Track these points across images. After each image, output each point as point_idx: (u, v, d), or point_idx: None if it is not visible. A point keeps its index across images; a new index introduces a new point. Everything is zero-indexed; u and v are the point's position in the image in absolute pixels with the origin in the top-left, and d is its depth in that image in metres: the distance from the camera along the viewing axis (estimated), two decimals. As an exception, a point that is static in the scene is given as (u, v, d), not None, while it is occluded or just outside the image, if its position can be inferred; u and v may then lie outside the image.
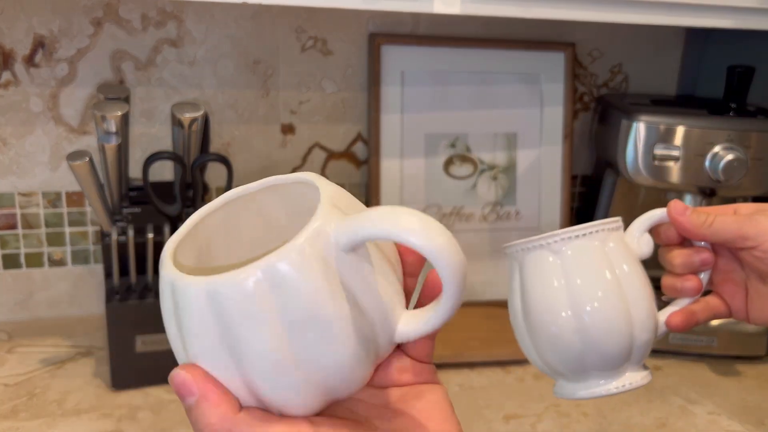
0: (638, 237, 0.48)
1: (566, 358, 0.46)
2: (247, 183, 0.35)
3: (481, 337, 0.88)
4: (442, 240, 0.28)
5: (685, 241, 0.49)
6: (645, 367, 0.49)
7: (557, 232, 0.45)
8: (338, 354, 0.29)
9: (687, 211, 0.47)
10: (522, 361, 0.86)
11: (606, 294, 0.45)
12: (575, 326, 0.45)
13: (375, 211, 0.29)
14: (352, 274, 0.29)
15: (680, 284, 0.48)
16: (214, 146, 0.92)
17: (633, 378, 0.47)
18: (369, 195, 0.97)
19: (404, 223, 0.28)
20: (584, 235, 0.45)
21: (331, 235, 0.29)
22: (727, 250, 0.49)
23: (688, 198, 0.89)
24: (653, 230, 0.49)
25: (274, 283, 0.28)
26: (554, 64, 1.00)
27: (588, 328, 0.44)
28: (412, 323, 0.32)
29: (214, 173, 0.89)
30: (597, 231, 0.46)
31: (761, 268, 0.46)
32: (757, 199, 0.90)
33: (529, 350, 0.48)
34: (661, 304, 0.49)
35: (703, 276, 0.49)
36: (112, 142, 0.69)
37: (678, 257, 0.48)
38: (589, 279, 0.45)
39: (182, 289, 0.29)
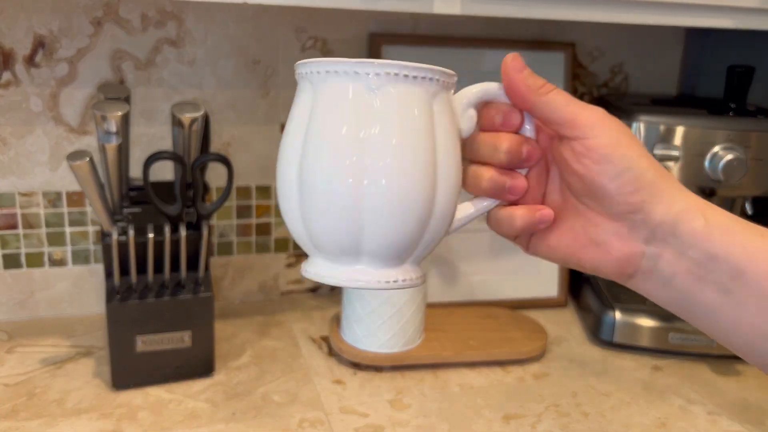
0: (464, 109, 0.40)
1: (341, 228, 0.35)
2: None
3: (481, 336, 0.87)
4: None
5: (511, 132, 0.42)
6: (420, 269, 0.40)
7: (377, 62, 0.35)
8: None
9: (525, 71, 0.40)
10: (522, 361, 0.86)
11: (419, 157, 0.35)
12: (367, 189, 0.34)
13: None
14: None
15: (510, 182, 0.41)
16: (214, 146, 0.92)
17: (408, 274, 0.38)
18: (369, 195, 0.97)
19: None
20: (414, 78, 0.36)
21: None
22: (543, 161, 0.43)
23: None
24: (480, 110, 0.41)
25: None
26: (554, 63, 1.00)
27: (381, 194, 0.34)
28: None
29: (215, 173, 0.89)
30: (431, 78, 0.36)
31: (575, 168, 0.40)
32: (757, 201, 0.90)
33: (293, 208, 0.37)
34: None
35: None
36: (113, 142, 0.69)
37: (506, 141, 0.40)
38: (403, 131, 0.35)
39: None
